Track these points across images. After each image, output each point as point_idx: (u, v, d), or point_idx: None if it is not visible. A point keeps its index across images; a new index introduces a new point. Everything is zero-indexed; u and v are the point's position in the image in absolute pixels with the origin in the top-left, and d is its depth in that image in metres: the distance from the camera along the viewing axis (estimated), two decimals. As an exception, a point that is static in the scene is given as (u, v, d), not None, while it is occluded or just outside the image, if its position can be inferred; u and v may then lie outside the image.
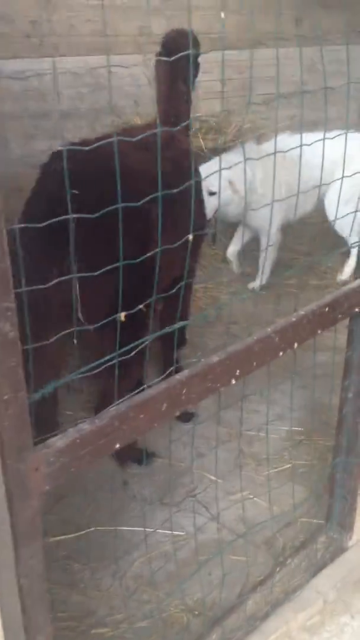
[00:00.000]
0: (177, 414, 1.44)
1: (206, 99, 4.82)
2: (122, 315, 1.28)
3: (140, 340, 1.42)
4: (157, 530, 2.54)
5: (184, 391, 1.41)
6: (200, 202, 2.75)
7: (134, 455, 2.86)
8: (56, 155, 2.59)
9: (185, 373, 1.42)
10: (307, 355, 3.48)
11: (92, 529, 2.50)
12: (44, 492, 1.22)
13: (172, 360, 2.22)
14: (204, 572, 2.35)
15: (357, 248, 4.60)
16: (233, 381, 1.53)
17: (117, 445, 1.33)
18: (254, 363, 1.57)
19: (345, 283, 4.07)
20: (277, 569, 2.22)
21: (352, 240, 4.39)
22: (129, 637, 2.14)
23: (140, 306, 1.40)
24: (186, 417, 3.18)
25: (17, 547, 1.21)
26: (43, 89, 4.22)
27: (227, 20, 4.60)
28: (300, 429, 3.15)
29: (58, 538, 2.46)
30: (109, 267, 1.33)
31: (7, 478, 1.14)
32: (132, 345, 1.37)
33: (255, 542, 2.49)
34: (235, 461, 2.93)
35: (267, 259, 4.49)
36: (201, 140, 4.55)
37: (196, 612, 2.22)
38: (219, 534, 2.55)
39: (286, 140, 3.93)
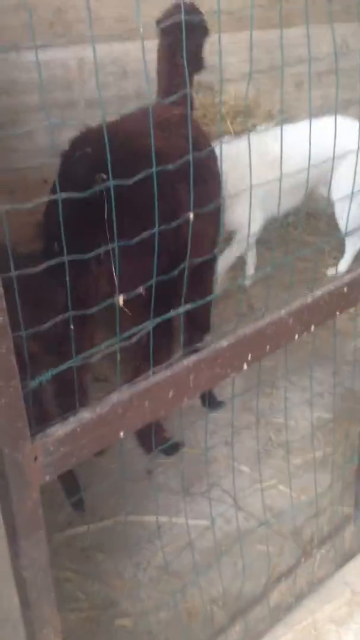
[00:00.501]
0: (186, 400, 1.38)
1: (234, 80, 4.73)
2: (120, 299, 1.23)
3: (162, 318, 1.38)
4: (182, 520, 2.51)
5: (191, 377, 1.37)
6: (216, 179, 2.65)
7: (161, 444, 2.83)
8: (78, 141, 2.55)
9: (192, 358, 1.37)
10: (346, 340, 3.43)
11: (116, 518, 2.47)
12: (45, 482, 1.19)
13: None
14: (229, 562, 2.32)
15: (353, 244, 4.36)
16: (245, 366, 1.48)
17: (122, 434, 1.29)
18: (267, 347, 1.51)
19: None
20: (303, 560, 2.15)
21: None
22: (151, 628, 2.12)
23: (140, 289, 1.35)
24: (213, 405, 3.13)
25: (19, 539, 1.19)
26: (68, 78, 4.20)
27: None
28: (329, 415, 3.06)
29: (81, 528, 2.44)
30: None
31: (4, 468, 1.12)
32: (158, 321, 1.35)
33: (282, 532, 2.44)
34: (263, 449, 2.88)
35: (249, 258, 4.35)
36: (229, 124, 4.46)
37: (220, 603, 2.18)
38: (246, 524, 2.49)
39: (269, 133, 3.74)
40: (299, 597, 2.08)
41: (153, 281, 1.34)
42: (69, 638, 2.00)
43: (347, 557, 2.22)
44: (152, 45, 4.31)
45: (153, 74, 4.45)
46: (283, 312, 1.53)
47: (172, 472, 2.75)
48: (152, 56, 4.39)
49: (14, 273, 1.04)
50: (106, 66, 4.26)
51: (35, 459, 1.16)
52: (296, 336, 1.56)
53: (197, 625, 2.10)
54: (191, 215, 1.32)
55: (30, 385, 1.15)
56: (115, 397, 1.27)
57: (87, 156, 2.28)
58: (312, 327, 1.58)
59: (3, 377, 1.04)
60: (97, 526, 2.47)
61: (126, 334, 1.30)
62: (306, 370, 3.38)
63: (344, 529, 2.29)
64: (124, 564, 2.34)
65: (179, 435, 2.92)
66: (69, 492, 2.49)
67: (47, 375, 1.18)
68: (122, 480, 2.62)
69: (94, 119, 4.32)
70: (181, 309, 1.39)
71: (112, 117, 4.37)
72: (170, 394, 1.34)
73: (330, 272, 4.38)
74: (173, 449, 2.83)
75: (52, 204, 2.01)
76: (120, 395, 1.27)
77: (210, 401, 3.11)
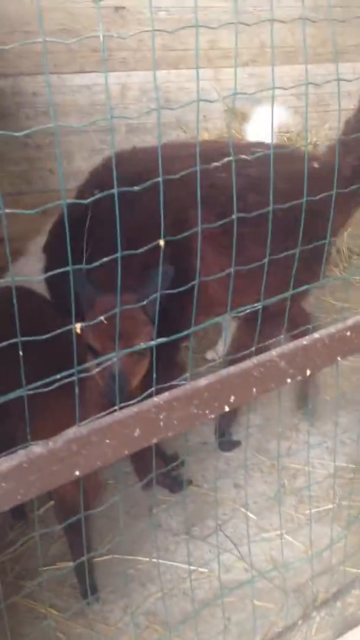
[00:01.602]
0: (155, 441, 1.27)
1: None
2: (77, 327, 1.14)
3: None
4: (178, 565, 2.37)
5: (161, 416, 1.26)
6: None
7: (166, 482, 2.71)
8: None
9: (164, 396, 1.26)
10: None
11: (109, 556, 2.35)
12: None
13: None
14: (223, 616, 2.16)
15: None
16: (226, 408, 1.36)
17: (77, 473, 1.19)
18: (254, 389, 1.39)
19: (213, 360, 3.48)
20: (300, 622, 1.98)
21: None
22: None
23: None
24: (228, 445, 2.99)
25: None
26: (110, 103, 4.21)
27: (301, 33, 4.44)
28: (351, 465, 2.88)
29: (70, 563, 2.33)
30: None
31: None
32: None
33: (285, 588, 2.27)
34: (275, 496, 2.72)
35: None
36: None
37: (208, 659, 2.03)
38: (246, 575, 2.33)
39: None
40: (291, 664, 1.91)
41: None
42: None
43: (348, 625, 2.03)
44: (194, 73, 4.31)
45: (194, 102, 4.43)
46: (274, 353, 1.41)
47: (175, 511, 2.62)
48: (193, 85, 4.39)
49: None
50: (148, 93, 4.26)
51: (-27, 494, 1.07)
52: (288, 380, 1.43)
53: None
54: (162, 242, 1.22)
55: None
56: (71, 432, 1.17)
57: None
58: (308, 372, 1.45)
59: None
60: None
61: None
62: (330, 415, 3.22)
63: (349, 593, 2.11)
64: (111, 605, 2.22)
65: (187, 472, 2.79)
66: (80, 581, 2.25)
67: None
68: (122, 515, 2.50)
69: (135, 145, 4.34)
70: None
71: (151, 144, 4.40)
72: (136, 432, 1.23)
73: (210, 355, 3.68)
74: (178, 485, 2.70)
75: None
76: (77, 430, 1.17)
77: (223, 440, 2.97)
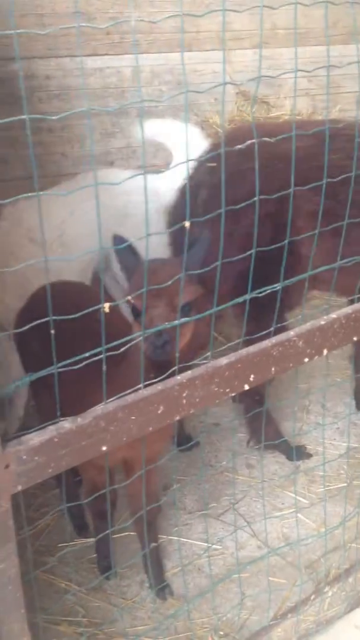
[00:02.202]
0: (177, 418, 1.31)
1: (291, 96, 4.65)
2: (106, 307, 1.18)
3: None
4: (193, 542, 2.43)
5: (184, 394, 1.30)
6: None
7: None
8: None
9: (187, 374, 1.30)
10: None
11: (125, 534, 2.41)
12: (16, 492, 1.14)
13: None
14: (237, 590, 2.21)
15: None
16: (246, 386, 1.39)
17: (104, 448, 1.23)
18: (272, 369, 1.42)
19: None
20: (313, 597, 2.03)
21: None
22: (149, 651, 2.04)
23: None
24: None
25: (-13, 548, 1.14)
26: (122, 86, 4.21)
27: (315, 15, 4.42)
28: (360, 446, 2.92)
29: (90, 540, 2.39)
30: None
31: (-27, 474, 1.08)
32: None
33: (297, 565, 2.32)
34: (288, 476, 2.76)
35: None
36: (282, 139, 4.38)
37: (222, 633, 2.08)
38: (259, 552, 2.39)
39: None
40: (304, 637, 1.96)
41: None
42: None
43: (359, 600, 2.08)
44: (207, 56, 4.30)
45: (208, 85, 4.42)
46: (292, 333, 1.44)
47: (189, 490, 2.67)
48: (211, 67, 4.39)
49: None
50: (161, 75, 4.25)
51: (7, 466, 1.11)
52: (306, 359, 1.46)
53: (194, 653, 2.01)
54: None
55: (5, 391, 1.11)
56: (99, 409, 1.21)
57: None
58: (325, 351, 1.49)
59: (-29, 380, 1.00)
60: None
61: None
62: (343, 396, 3.26)
63: (360, 568, 2.15)
64: (128, 581, 2.28)
65: (198, 452, 2.84)
66: (100, 557, 2.32)
67: (24, 380, 1.13)
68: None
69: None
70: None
71: (163, 127, 4.39)
72: (160, 409, 1.27)
73: None
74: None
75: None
76: (105, 407, 1.21)
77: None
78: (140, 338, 1.49)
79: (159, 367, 1.39)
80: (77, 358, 1.15)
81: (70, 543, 2.39)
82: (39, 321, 1.17)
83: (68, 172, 4.08)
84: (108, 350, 1.20)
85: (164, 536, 2.44)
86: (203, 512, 2.55)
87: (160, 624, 2.03)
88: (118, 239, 1.68)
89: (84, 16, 3.88)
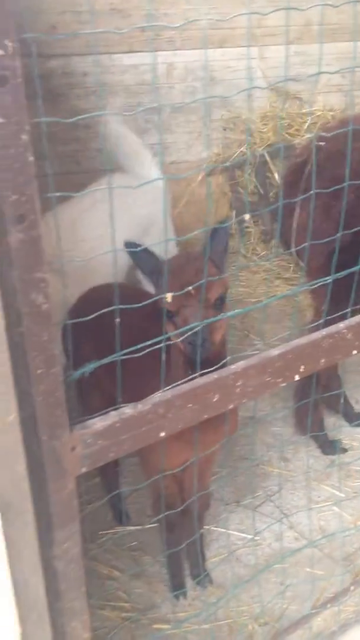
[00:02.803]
0: (231, 406, 1.35)
1: (324, 92, 4.65)
2: (168, 297, 1.22)
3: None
4: (231, 532, 2.46)
5: (238, 383, 1.33)
6: None
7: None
8: None
9: (241, 364, 1.34)
10: None
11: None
12: (81, 473, 1.19)
13: None
14: (275, 581, 2.25)
15: None
16: (296, 377, 1.43)
17: (162, 434, 1.27)
18: (322, 360, 1.45)
19: None
20: (352, 587, 2.06)
21: None
22: (190, 637, 2.08)
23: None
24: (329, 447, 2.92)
25: (53, 529, 1.19)
26: (156, 82, 4.25)
27: (349, 10, 4.40)
28: None
29: (131, 528, 2.44)
30: None
31: (42, 455, 1.12)
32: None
33: (333, 556, 2.35)
34: (323, 470, 2.79)
35: None
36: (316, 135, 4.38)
37: (262, 621, 2.12)
38: (296, 543, 2.42)
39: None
40: (344, 626, 1.98)
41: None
42: (105, 636, 2.01)
43: None
44: (241, 52, 4.32)
45: (241, 81, 4.45)
46: (342, 325, 1.47)
47: (225, 482, 2.70)
48: (244, 64, 4.40)
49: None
50: (194, 72, 4.28)
51: (73, 449, 1.15)
52: (354, 352, 1.49)
53: (235, 639, 2.05)
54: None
55: (73, 376, 1.15)
56: (157, 397, 1.25)
57: None
58: (374, 344, 1.51)
59: (44, 364, 1.05)
60: (147, 527, 2.46)
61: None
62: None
63: None
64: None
65: (235, 443, 2.87)
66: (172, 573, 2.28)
67: (89, 366, 1.17)
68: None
69: (179, 124, 4.39)
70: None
71: (196, 124, 4.43)
72: (215, 398, 1.31)
73: None
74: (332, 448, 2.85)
75: None
76: (163, 395, 1.26)
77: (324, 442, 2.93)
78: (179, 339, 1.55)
79: (201, 365, 1.40)
80: (140, 346, 1.19)
81: (111, 531, 2.45)
82: (98, 312, 1.21)
83: (102, 167, 4.14)
84: (151, 349, 1.23)
85: (205, 526, 2.48)
86: (240, 503, 2.59)
87: (203, 610, 2.07)
88: (130, 245, 1.64)
89: (120, 13, 3.93)
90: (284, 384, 1.42)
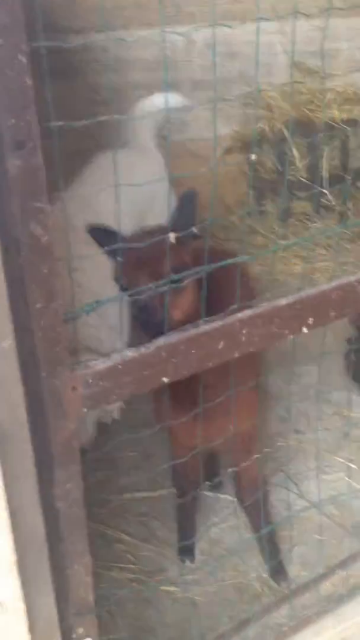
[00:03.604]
0: (237, 354, 1.34)
1: (345, 67, 4.58)
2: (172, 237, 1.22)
3: None
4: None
5: (243, 331, 1.32)
6: None
7: None
8: None
9: (247, 312, 1.33)
10: None
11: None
12: (82, 414, 1.19)
13: None
14: (284, 548, 2.24)
15: None
16: (304, 329, 1.41)
17: (165, 380, 1.27)
18: (332, 313, 1.44)
19: None
20: (362, 554, 2.05)
21: None
22: (198, 599, 2.09)
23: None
24: None
25: (54, 468, 1.19)
26: (175, 58, 4.23)
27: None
28: None
29: (140, 494, 2.45)
30: None
31: (42, 393, 1.13)
32: None
33: (344, 525, 2.33)
34: (336, 443, 2.77)
35: None
36: (336, 112, 4.33)
37: (270, 584, 2.12)
38: (306, 512, 2.41)
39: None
40: (353, 590, 1.97)
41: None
42: (114, 596, 2.02)
43: None
44: (262, 27, 4.26)
45: (261, 56, 4.39)
46: (353, 278, 1.45)
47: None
48: (265, 39, 4.34)
49: None
50: (213, 47, 4.24)
51: (74, 389, 1.15)
52: (365, 305, 1.47)
53: (243, 602, 2.05)
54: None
55: (75, 314, 1.15)
56: (162, 340, 1.25)
57: None
58: (384, 298, 1.49)
59: (44, 298, 1.05)
60: (156, 495, 2.47)
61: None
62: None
63: None
64: (177, 534, 2.32)
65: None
66: (182, 535, 2.30)
67: (92, 305, 1.17)
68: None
69: (200, 100, 4.35)
70: None
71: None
72: (221, 345, 1.30)
73: None
74: None
75: None
76: (167, 338, 1.25)
77: None
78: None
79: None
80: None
81: (120, 497, 2.46)
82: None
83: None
84: None
85: (210, 493, 2.48)
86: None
87: (210, 572, 2.07)
88: (93, 229, 1.60)
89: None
90: (291, 336, 1.41)
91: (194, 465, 2.03)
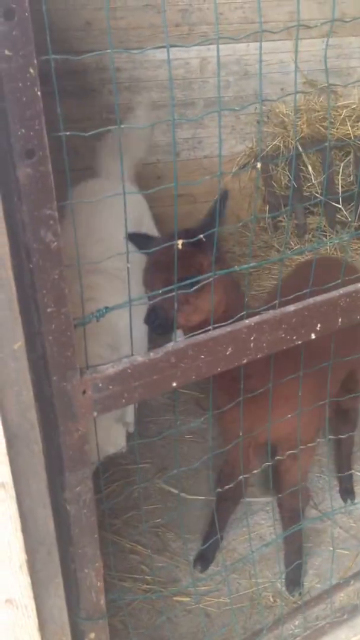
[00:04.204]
0: (245, 361, 1.36)
1: (359, 85, 4.62)
2: (179, 243, 1.24)
3: None
4: (255, 512, 2.46)
5: (252, 337, 1.34)
6: None
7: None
8: None
9: (255, 318, 1.35)
10: None
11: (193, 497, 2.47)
12: (92, 418, 1.21)
13: None
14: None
15: None
16: (312, 335, 1.43)
17: (174, 384, 1.29)
18: (339, 319, 1.45)
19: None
20: (376, 565, 2.03)
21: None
22: (211, 610, 2.08)
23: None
24: None
25: (64, 471, 1.21)
26: (189, 77, 4.30)
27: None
28: None
29: (155, 506, 2.46)
30: None
31: (53, 396, 1.15)
32: None
33: (359, 537, 2.32)
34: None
35: None
36: (350, 128, 4.36)
37: (284, 596, 2.11)
38: (321, 524, 2.40)
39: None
40: (367, 602, 1.96)
41: None
42: (128, 605, 2.03)
43: None
44: (275, 46, 4.34)
45: (275, 75, 4.46)
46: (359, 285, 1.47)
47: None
48: (278, 57, 4.41)
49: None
50: (228, 66, 4.31)
51: (84, 392, 1.18)
52: (372, 311, 1.48)
53: (256, 612, 2.04)
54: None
55: (86, 319, 1.18)
56: (170, 346, 1.27)
57: None
58: (392, 305, 1.50)
59: (55, 303, 1.08)
60: (171, 505, 2.47)
61: None
62: None
63: None
64: (192, 545, 2.32)
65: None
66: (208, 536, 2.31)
67: (103, 311, 1.20)
68: (202, 464, 2.60)
69: (213, 118, 4.41)
70: None
71: (229, 118, 4.45)
72: (229, 350, 1.32)
73: None
74: None
75: None
76: (175, 344, 1.27)
77: None
78: None
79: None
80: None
81: (135, 508, 2.47)
82: None
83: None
84: None
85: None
86: (265, 485, 2.59)
87: (222, 583, 2.07)
88: (132, 235, 1.70)
89: (154, 9, 3.99)
90: (299, 342, 1.42)
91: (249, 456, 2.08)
